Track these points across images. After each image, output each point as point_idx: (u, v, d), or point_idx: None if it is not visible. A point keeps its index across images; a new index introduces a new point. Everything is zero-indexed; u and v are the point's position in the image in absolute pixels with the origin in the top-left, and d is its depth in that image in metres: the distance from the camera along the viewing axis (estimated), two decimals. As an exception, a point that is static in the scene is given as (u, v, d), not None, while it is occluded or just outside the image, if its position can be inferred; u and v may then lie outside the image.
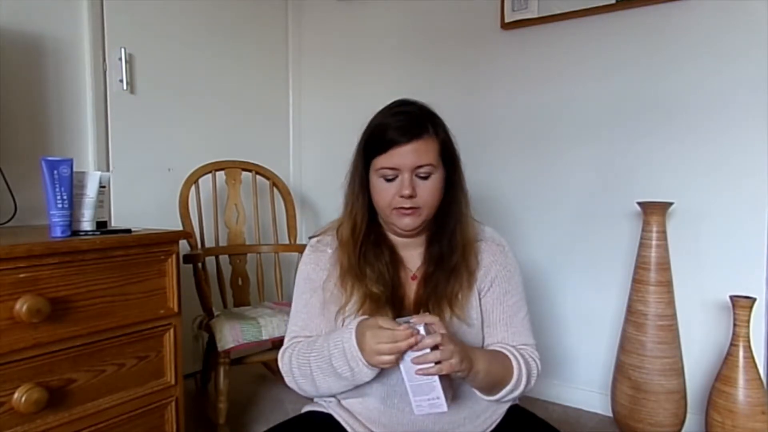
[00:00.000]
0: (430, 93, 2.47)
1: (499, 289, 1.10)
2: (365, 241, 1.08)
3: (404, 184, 1.00)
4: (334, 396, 1.11)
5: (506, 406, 1.13)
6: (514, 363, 1.02)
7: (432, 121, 1.05)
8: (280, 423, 1.12)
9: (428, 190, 1.02)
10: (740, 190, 1.80)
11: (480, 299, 1.10)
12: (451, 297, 1.06)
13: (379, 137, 1.03)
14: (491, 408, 1.10)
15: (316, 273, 1.12)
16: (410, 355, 0.88)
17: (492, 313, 1.10)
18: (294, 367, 1.05)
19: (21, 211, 1.73)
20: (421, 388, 0.89)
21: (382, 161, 1.02)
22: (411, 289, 1.10)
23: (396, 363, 0.90)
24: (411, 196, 1.00)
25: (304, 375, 1.04)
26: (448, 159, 1.06)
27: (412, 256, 1.12)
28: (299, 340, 1.09)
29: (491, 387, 1.01)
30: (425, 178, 1.02)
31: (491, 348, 1.07)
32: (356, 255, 1.07)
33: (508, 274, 1.12)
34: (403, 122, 1.02)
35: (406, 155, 1.00)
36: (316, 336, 1.07)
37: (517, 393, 1.03)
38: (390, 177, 1.02)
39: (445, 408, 0.90)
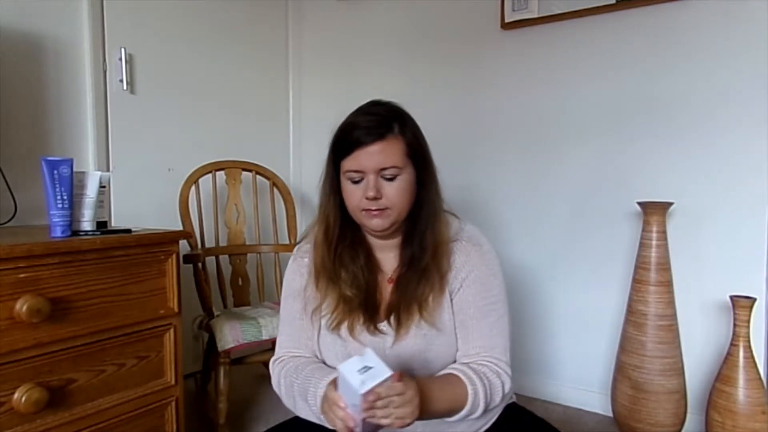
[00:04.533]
0: (430, 93, 2.49)
1: (468, 291, 1.05)
2: (340, 242, 1.06)
3: (369, 186, 0.99)
4: None
5: (502, 405, 1.11)
6: (469, 389, 0.96)
7: (400, 121, 1.02)
8: (276, 425, 1.12)
9: (395, 192, 1.00)
10: (740, 190, 1.80)
11: (452, 301, 1.06)
12: (421, 300, 1.03)
13: (344, 139, 1.02)
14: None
15: (295, 281, 1.13)
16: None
17: (460, 315, 1.05)
18: (282, 384, 1.09)
19: (21, 211, 1.73)
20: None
21: (348, 163, 1.01)
22: (387, 292, 1.08)
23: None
24: (376, 198, 0.98)
25: (288, 396, 1.08)
26: (418, 159, 1.03)
27: (389, 258, 1.10)
28: (291, 357, 1.10)
29: (445, 416, 0.98)
30: (391, 179, 1.00)
31: (447, 372, 1.01)
32: (330, 257, 1.06)
33: (482, 275, 1.06)
34: (368, 123, 1.00)
35: (370, 157, 0.98)
36: (305, 360, 1.09)
37: (476, 414, 0.99)
38: (356, 179, 1.00)
39: None
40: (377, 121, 1.00)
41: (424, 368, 1.04)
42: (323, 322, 1.08)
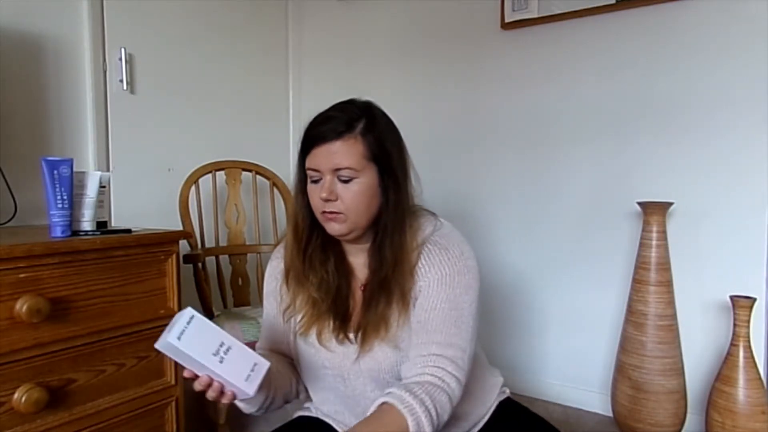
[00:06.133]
0: (430, 93, 2.49)
1: (427, 294, 0.97)
2: (310, 243, 1.02)
3: (323, 186, 0.94)
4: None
5: (495, 402, 1.11)
6: (408, 418, 0.87)
7: (367, 121, 0.96)
8: (275, 429, 1.11)
9: (350, 195, 0.94)
10: (740, 190, 1.80)
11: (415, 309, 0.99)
12: (383, 317, 0.97)
13: (306, 135, 0.98)
14: (476, 409, 1.07)
15: (270, 285, 1.11)
16: (198, 351, 0.83)
17: (417, 317, 0.98)
18: None
19: (21, 211, 1.73)
20: (234, 364, 0.85)
21: (308, 161, 0.97)
22: (359, 300, 1.04)
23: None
24: (328, 200, 0.94)
25: None
26: (381, 163, 0.96)
27: (360, 264, 1.04)
28: None
29: None
30: (347, 181, 0.94)
31: (382, 402, 0.90)
32: (300, 258, 1.02)
33: (443, 275, 0.98)
34: (329, 121, 0.95)
35: (325, 156, 0.94)
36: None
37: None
38: (315, 178, 0.96)
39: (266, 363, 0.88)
40: (339, 119, 0.95)
41: (397, 380, 0.99)
42: (294, 320, 1.06)
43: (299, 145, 1.00)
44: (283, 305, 1.07)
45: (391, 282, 0.97)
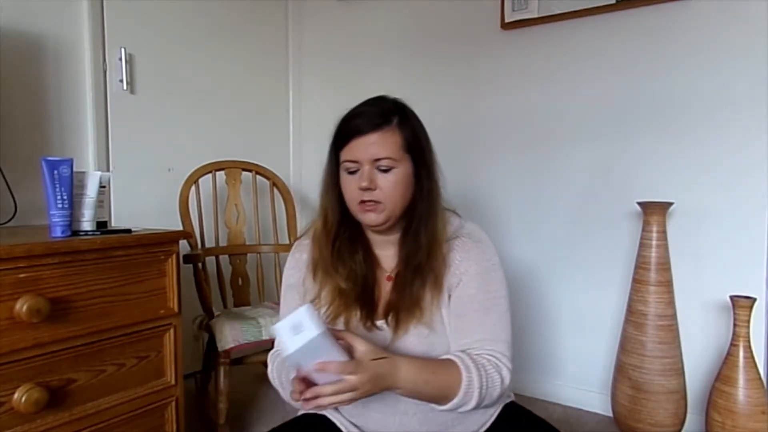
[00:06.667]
0: (430, 93, 2.48)
1: (469, 285, 1.04)
2: (339, 236, 1.06)
3: (363, 176, 0.99)
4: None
5: (500, 405, 1.11)
6: (464, 378, 0.94)
7: (400, 115, 1.02)
8: (277, 426, 1.12)
9: (389, 184, 0.99)
10: (740, 190, 1.80)
11: (449, 298, 1.05)
12: (419, 302, 1.02)
13: (341, 129, 1.03)
14: (481, 411, 1.07)
15: (294, 277, 1.13)
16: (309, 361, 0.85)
17: (459, 309, 1.03)
18: (275, 377, 1.09)
19: (21, 211, 1.73)
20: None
21: (345, 153, 1.01)
22: (386, 290, 1.08)
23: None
24: (368, 189, 0.98)
25: (281, 386, 1.08)
26: (416, 155, 1.03)
27: (387, 256, 1.09)
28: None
29: (430, 401, 0.96)
30: (386, 171, 0.99)
31: (444, 357, 0.99)
32: (329, 250, 1.06)
33: (482, 270, 1.04)
34: (366, 114, 1.01)
35: (365, 147, 0.99)
36: None
37: (469, 406, 0.96)
38: (352, 170, 1.01)
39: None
40: (376, 112, 1.01)
41: None
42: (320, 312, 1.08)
43: (332, 140, 1.05)
44: (308, 297, 1.09)
45: (425, 268, 1.02)
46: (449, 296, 1.05)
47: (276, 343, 1.15)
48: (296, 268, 1.13)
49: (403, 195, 1.02)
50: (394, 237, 1.08)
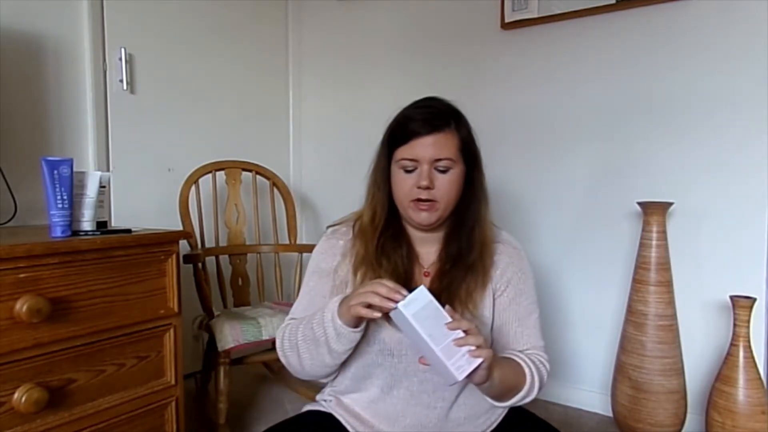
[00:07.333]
0: (430, 93, 2.47)
1: (514, 291, 1.11)
2: (384, 232, 1.08)
3: (422, 175, 1.01)
4: (332, 388, 1.13)
5: (506, 408, 1.12)
6: (527, 371, 1.02)
7: (456, 117, 1.07)
8: (279, 422, 1.12)
9: (446, 184, 1.03)
10: (740, 190, 1.80)
11: (494, 299, 1.10)
12: (466, 294, 1.06)
13: (401, 128, 1.05)
14: (492, 408, 1.10)
15: (326, 262, 1.12)
16: (426, 329, 0.87)
17: (505, 313, 1.10)
18: (285, 339, 1.07)
19: (21, 211, 1.73)
20: (451, 349, 0.87)
21: (403, 152, 1.03)
22: (420, 284, 1.09)
23: (369, 315, 0.90)
24: (428, 188, 1.01)
25: (292, 347, 1.05)
26: (469, 157, 1.08)
27: (428, 252, 1.12)
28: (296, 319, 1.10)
29: (503, 394, 1.00)
30: (444, 171, 1.03)
31: (503, 355, 1.06)
32: (374, 244, 1.07)
33: (524, 276, 1.13)
34: (426, 115, 1.04)
35: (426, 147, 1.02)
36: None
37: (528, 399, 1.03)
38: (409, 168, 1.03)
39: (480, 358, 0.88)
40: (435, 114, 1.04)
41: None
42: None
43: (386, 140, 1.08)
44: (342, 286, 1.09)
45: (477, 265, 1.07)
46: (494, 298, 1.10)
47: (290, 314, 1.13)
48: (329, 253, 1.13)
49: (456, 195, 1.06)
50: (438, 235, 1.11)
